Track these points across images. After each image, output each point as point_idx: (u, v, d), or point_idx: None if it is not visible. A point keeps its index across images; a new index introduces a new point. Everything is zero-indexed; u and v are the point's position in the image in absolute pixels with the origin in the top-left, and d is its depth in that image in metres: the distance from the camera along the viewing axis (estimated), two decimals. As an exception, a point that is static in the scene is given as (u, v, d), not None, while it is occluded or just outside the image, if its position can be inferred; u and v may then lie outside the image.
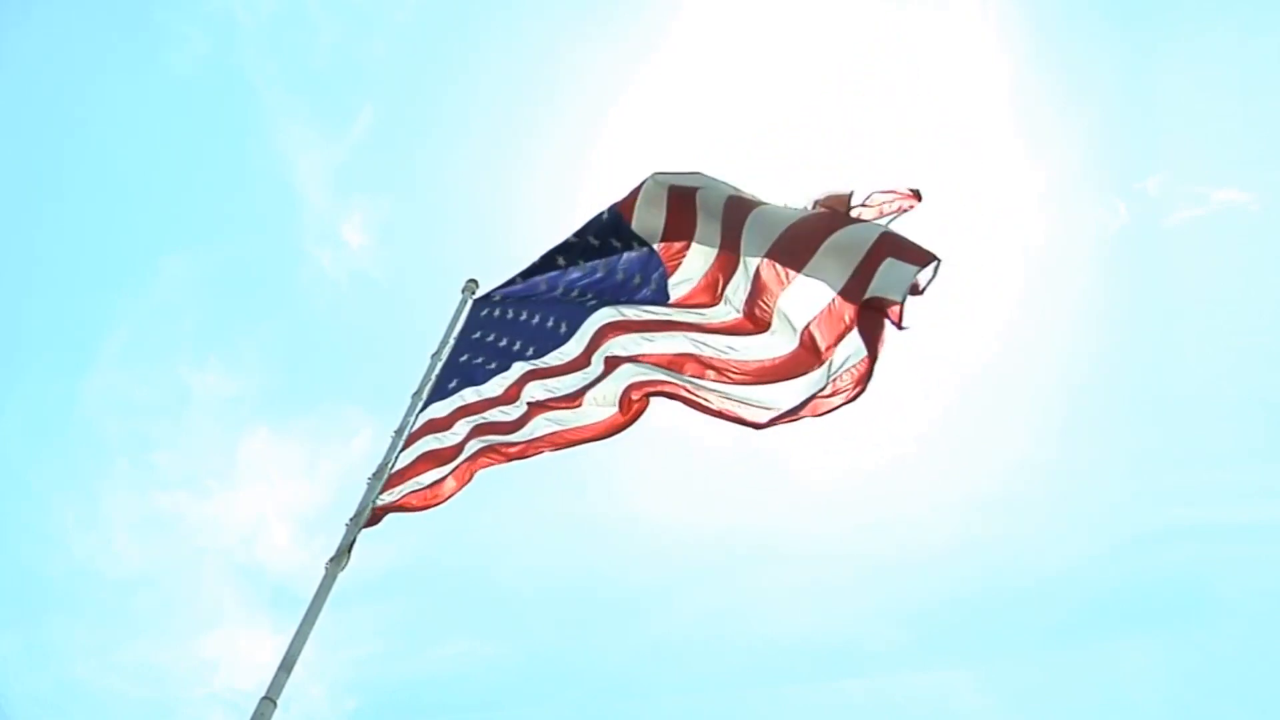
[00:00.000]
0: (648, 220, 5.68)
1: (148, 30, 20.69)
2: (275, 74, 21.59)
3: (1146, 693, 15.88)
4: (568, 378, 5.78)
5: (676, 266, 5.58)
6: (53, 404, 21.09)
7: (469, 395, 5.98)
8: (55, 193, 20.98)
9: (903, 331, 4.55)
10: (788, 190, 5.30)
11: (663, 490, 18.60)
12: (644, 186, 5.68)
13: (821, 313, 4.93)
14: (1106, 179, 20.46)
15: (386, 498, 5.55)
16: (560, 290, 6.01)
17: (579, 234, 5.99)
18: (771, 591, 17.99)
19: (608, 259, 5.87)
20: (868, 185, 4.96)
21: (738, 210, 5.29)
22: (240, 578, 19.37)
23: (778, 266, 5.13)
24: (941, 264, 4.56)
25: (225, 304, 22.68)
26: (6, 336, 20.41)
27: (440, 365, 6.20)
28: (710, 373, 5.38)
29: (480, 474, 5.84)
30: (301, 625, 4.78)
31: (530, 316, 6.10)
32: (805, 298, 5.00)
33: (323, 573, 5.03)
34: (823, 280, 4.91)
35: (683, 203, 5.53)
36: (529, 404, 5.81)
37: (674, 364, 5.50)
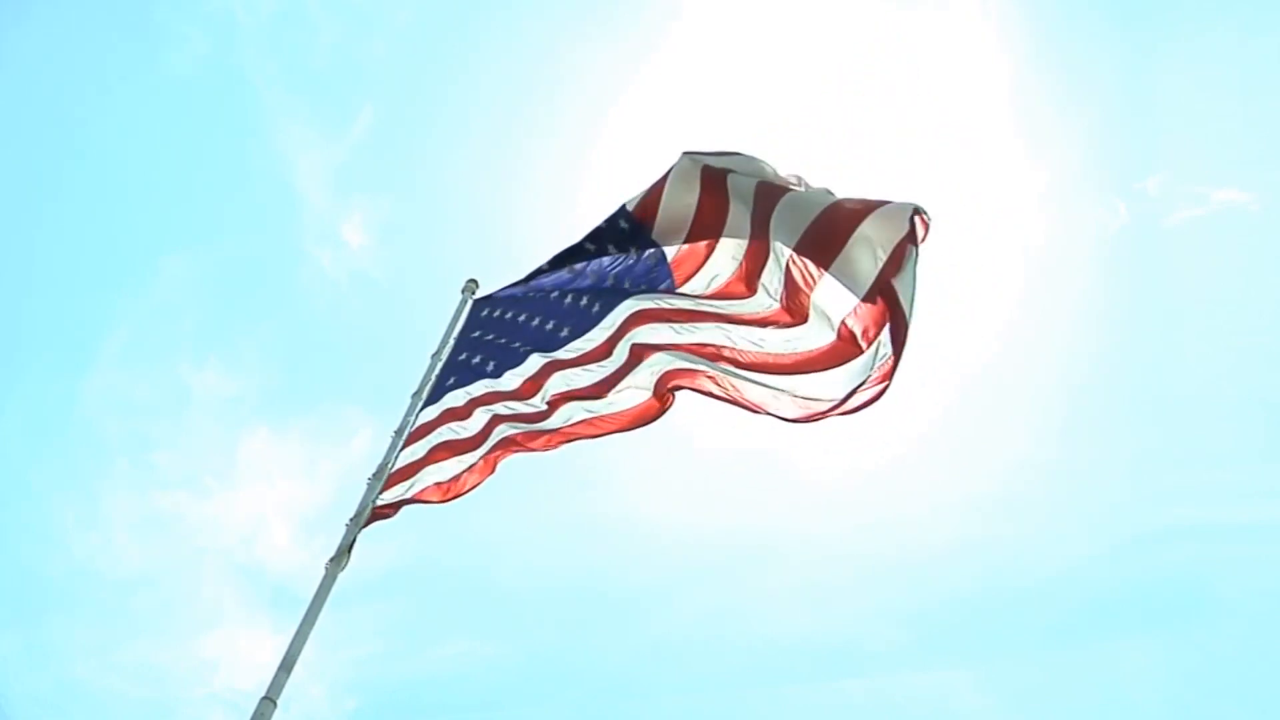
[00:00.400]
0: (676, 204, 5.58)
1: (148, 30, 20.72)
2: (275, 74, 21.63)
3: (1146, 693, 15.90)
4: (593, 367, 5.74)
5: (704, 262, 5.52)
6: (53, 404, 21.13)
7: (476, 389, 5.96)
8: (55, 193, 21.01)
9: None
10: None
11: (663, 490, 18.63)
12: (675, 168, 5.58)
13: (856, 305, 4.88)
14: (1106, 179, 20.50)
15: (398, 492, 5.52)
16: (572, 285, 5.98)
17: (593, 239, 5.95)
18: (771, 591, 18.03)
19: (622, 255, 5.84)
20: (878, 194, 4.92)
21: (768, 198, 5.21)
22: (240, 578, 19.40)
23: (808, 262, 5.07)
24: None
25: (225, 304, 22.72)
26: (6, 336, 20.43)
27: (440, 365, 6.20)
28: (746, 363, 5.32)
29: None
30: (301, 625, 4.78)
31: (540, 311, 6.07)
32: (839, 290, 4.94)
33: (323, 573, 5.03)
34: (852, 275, 4.88)
35: (715, 185, 5.44)
36: (556, 394, 5.77)
37: (709, 354, 5.44)
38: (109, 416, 20.80)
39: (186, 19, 20.73)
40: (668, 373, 5.62)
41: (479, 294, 6.60)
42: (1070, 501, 18.34)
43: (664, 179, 5.65)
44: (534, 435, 5.83)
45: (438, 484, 5.69)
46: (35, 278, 21.26)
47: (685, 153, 5.58)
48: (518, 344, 6.04)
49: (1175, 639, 16.42)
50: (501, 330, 6.21)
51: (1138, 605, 16.94)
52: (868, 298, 4.78)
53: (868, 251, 4.77)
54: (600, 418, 5.75)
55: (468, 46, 22.14)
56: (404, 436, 5.76)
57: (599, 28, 21.36)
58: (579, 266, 6.00)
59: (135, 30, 20.64)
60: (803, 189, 5.16)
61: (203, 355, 21.69)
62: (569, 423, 5.77)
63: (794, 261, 5.12)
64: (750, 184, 5.29)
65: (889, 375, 4.76)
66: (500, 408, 5.88)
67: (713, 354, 5.42)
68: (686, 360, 5.55)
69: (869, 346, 4.81)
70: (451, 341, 6.32)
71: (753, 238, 5.32)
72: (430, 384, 6.08)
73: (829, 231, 4.94)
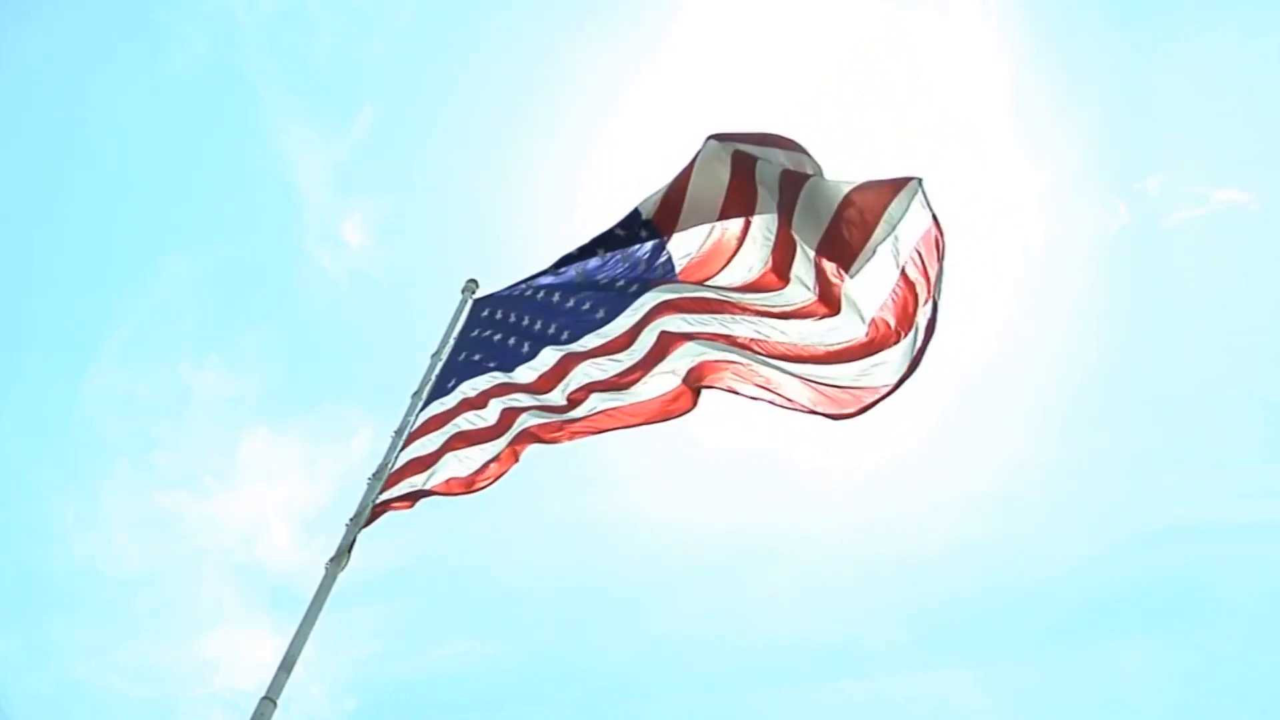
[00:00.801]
0: (705, 189, 5.52)
1: (148, 30, 20.73)
2: (275, 74, 21.64)
3: (1146, 693, 15.91)
4: (620, 356, 5.68)
5: (735, 253, 5.48)
6: (53, 403, 21.14)
7: (482, 383, 5.92)
8: (55, 192, 21.02)
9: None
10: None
11: (663, 490, 18.64)
12: (701, 153, 5.51)
13: (886, 299, 4.94)
14: (1106, 179, 20.49)
15: (416, 483, 5.49)
16: (581, 281, 5.93)
17: (603, 243, 5.91)
18: (771, 591, 18.02)
19: (634, 250, 5.80)
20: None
21: (792, 188, 5.18)
22: (240, 578, 19.40)
23: (831, 264, 5.10)
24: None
25: (225, 303, 22.72)
26: (6, 336, 20.44)
27: (440, 365, 6.20)
28: (791, 356, 5.28)
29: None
30: (301, 625, 4.77)
31: (548, 307, 6.02)
32: (867, 284, 4.98)
33: (323, 573, 5.02)
34: (876, 269, 4.94)
35: (745, 170, 5.39)
36: (579, 387, 5.71)
37: (744, 345, 5.41)
38: (109, 416, 20.82)
39: (186, 19, 20.75)
40: (702, 364, 5.57)
41: (479, 294, 6.60)
42: (1070, 501, 18.36)
43: (690, 168, 5.57)
44: (554, 426, 5.78)
45: (456, 477, 5.65)
46: (35, 277, 21.29)
47: (711, 136, 5.52)
48: (526, 340, 6.00)
49: (1175, 639, 16.45)
50: (503, 329, 6.19)
51: (1138, 605, 16.96)
52: (896, 287, 4.86)
53: (889, 244, 4.85)
54: (623, 408, 5.70)
55: (468, 46, 22.17)
56: (404, 436, 5.76)
57: (599, 27, 21.39)
58: (588, 264, 5.97)
59: (135, 30, 20.67)
60: (820, 176, 5.13)
61: (203, 355, 21.71)
62: (592, 413, 5.71)
63: (819, 259, 5.15)
64: (775, 171, 5.26)
65: (915, 364, 4.85)
66: (515, 399, 5.84)
67: (748, 345, 5.39)
68: (721, 350, 5.50)
69: (907, 333, 4.87)
70: (451, 341, 6.32)
71: (780, 226, 5.30)
72: (430, 384, 6.08)
73: (848, 232, 4.97)
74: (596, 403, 5.71)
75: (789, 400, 5.34)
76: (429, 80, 23.03)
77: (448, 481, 5.62)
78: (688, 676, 17.67)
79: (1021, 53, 20.24)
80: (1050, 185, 20.30)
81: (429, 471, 5.60)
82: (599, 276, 5.89)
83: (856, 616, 18.13)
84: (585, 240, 6.01)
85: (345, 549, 5.16)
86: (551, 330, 5.92)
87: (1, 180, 19.93)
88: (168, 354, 21.88)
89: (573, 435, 5.78)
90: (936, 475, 18.60)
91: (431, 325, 6.52)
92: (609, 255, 5.89)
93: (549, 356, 5.85)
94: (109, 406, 20.91)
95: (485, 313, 6.37)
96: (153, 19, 20.63)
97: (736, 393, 5.53)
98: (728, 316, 5.47)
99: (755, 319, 5.38)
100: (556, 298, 6.02)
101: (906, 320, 4.85)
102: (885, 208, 4.84)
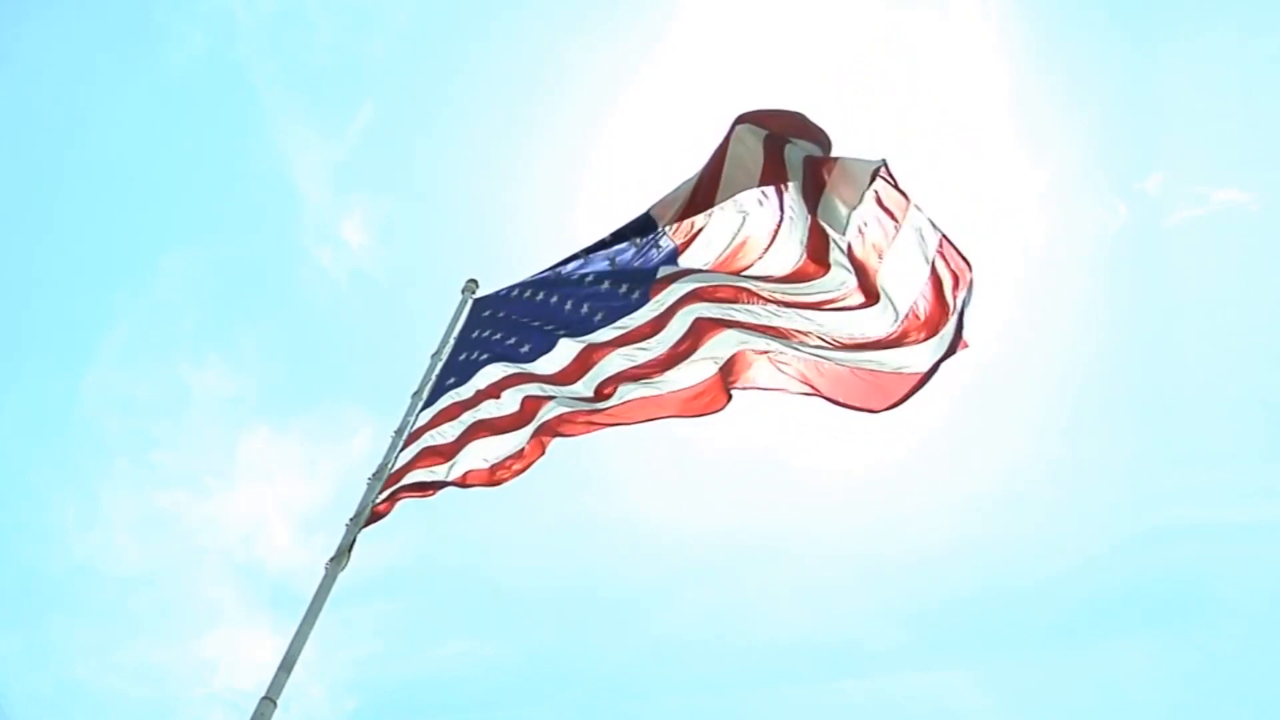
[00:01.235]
0: (738, 173, 5.46)
1: (147, 29, 20.71)
2: (275, 72, 21.62)
3: (1146, 693, 15.90)
4: (648, 343, 5.59)
5: (770, 243, 5.40)
6: (53, 403, 21.10)
7: (495, 373, 5.87)
8: (55, 191, 21.01)
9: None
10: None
11: (663, 490, 18.63)
12: (734, 135, 5.44)
13: (920, 290, 4.99)
14: (1106, 179, 20.47)
15: (438, 474, 5.47)
16: (594, 272, 5.87)
17: (608, 243, 5.89)
18: (771, 591, 18.01)
19: (644, 243, 5.75)
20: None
21: (815, 177, 5.12)
22: (240, 577, 19.39)
23: (862, 256, 5.08)
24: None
25: (225, 302, 22.70)
26: (6, 335, 20.42)
27: (440, 365, 6.20)
28: (835, 344, 5.24)
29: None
30: (301, 625, 4.78)
31: (556, 302, 5.93)
32: (901, 274, 5.01)
33: (323, 573, 5.03)
34: (906, 262, 5.00)
35: (776, 154, 5.32)
36: (607, 377, 5.62)
37: (785, 335, 5.35)
38: (109, 415, 20.80)
39: (186, 17, 20.74)
40: (741, 353, 5.52)
41: (479, 294, 6.60)
42: (1070, 501, 18.34)
43: (723, 152, 5.50)
44: (580, 416, 5.72)
45: (477, 468, 5.62)
46: (35, 276, 21.27)
47: (739, 117, 5.47)
48: (529, 338, 5.92)
49: (1175, 639, 16.43)
50: (504, 328, 6.16)
51: (1138, 605, 16.95)
52: (926, 278, 4.96)
53: (913, 237, 4.93)
54: (650, 399, 5.64)
55: (467, 46, 22.13)
56: (404, 436, 5.75)
57: (599, 27, 21.36)
58: (593, 261, 5.91)
59: (134, 29, 20.65)
60: (842, 160, 5.11)
61: (203, 354, 21.68)
62: (621, 401, 5.65)
63: (851, 250, 5.12)
64: (800, 155, 5.22)
65: (954, 348, 4.95)
66: (539, 388, 5.76)
67: (790, 335, 5.34)
68: (760, 339, 5.44)
69: (951, 313, 4.94)
70: (451, 341, 6.32)
71: (811, 213, 5.24)
72: (430, 384, 6.08)
73: (872, 230, 4.99)
74: (625, 393, 5.64)
75: (829, 394, 5.32)
76: (429, 79, 23.04)
77: (470, 473, 5.59)
78: (688, 676, 17.68)
79: (1021, 53, 20.23)
80: (1050, 185, 20.30)
81: (450, 463, 5.57)
82: (607, 271, 5.84)
83: (856, 616, 18.13)
84: (586, 242, 6.00)
85: (345, 549, 5.16)
86: (559, 326, 5.86)
87: (2, 179, 19.95)
88: (167, 353, 21.87)
89: (595, 426, 5.71)
90: (937, 475, 18.59)
91: (431, 325, 6.54)
92: (615, 250, 5.87)
93: (567, 349, 5.75)
94: (109, 406, 20.91)
95: (486, 313, 6.37)
96: (152, 18, 20.64)
97: (774, 389, 5.48)
98: (773, 307, 5.38)
99: (799, 311, 5.31)
100: (560, 296, 5.98)
101: (941, 310, 4.94)
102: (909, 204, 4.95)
